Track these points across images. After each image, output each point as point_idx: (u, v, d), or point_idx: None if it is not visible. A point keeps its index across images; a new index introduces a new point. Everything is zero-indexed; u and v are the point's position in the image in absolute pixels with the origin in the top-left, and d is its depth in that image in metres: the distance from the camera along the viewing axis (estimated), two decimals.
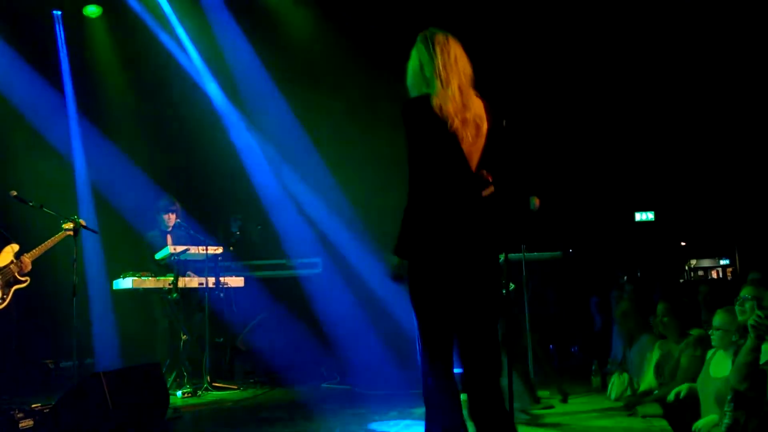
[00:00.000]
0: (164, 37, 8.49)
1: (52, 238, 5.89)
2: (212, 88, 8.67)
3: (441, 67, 3.24)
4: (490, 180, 3.32)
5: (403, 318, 5.87)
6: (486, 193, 3.32)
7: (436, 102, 3.18)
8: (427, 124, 3.18)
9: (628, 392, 5.65)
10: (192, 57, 8.59)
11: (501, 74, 7.83)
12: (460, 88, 3.23)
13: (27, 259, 5.69)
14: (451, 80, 3.22)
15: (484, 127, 3.27)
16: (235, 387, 6.85)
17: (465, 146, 3.20)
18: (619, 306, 6.75)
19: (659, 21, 7.60)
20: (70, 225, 5.86)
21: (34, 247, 5.78)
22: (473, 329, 3.21)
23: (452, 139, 3.18)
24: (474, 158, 3.25)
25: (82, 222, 5.94)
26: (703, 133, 7.78)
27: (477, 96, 3.30)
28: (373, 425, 5.06)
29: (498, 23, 7.83)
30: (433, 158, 3.20)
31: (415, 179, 3.19)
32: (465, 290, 3.17)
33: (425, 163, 3.19)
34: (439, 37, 3.31)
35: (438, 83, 3.22)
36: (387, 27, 7.65)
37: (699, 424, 4.36)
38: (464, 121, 3.19)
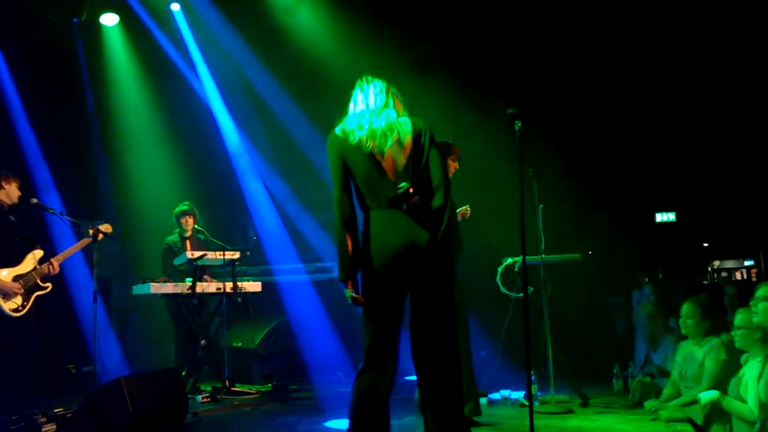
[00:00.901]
0: (183, 45, 8.58)
1: (78, 243, 5.96)
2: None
3: None
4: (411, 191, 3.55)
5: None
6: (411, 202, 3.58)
7: None
8: None
9: (651, 396, 5.58)
10: (198, 65, 8.66)
11: (521, 73, 7.83)
12: None
13: (56, 262, 5.76)
14: None
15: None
16: (254, 391, 6.86)
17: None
18: (642, 308, 6.68)
19: (677, 20, 7.53)
20: (101, 231, 5.95)
21: (55, 254, 5.83)
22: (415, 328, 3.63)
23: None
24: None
25: (103, 229, 5.99)
26: (726, 132, 7.68)
27: None
28: None
29: (521, 22, 7.82)
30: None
31: None
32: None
33: None
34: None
35: None
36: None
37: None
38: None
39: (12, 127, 7.81)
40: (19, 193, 5.73)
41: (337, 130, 3.67)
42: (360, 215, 3.67)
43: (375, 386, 3.56)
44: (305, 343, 7.43)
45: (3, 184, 5.64)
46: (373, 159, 3.59)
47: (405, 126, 3.66)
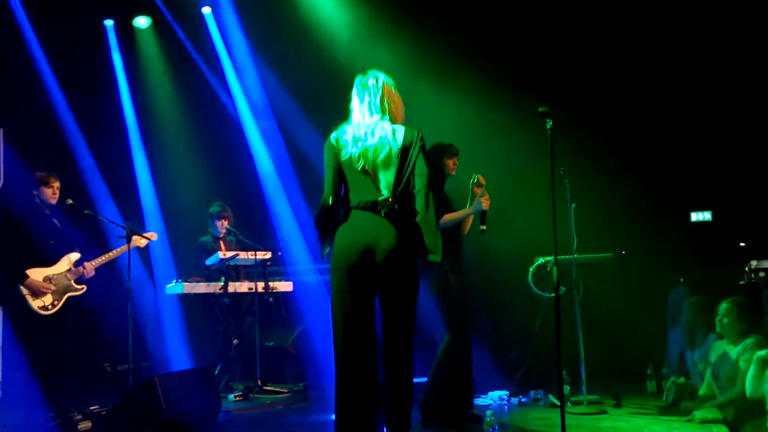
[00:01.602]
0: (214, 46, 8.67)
1: (116, 249, 6.06)
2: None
3: None
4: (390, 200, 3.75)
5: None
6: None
7: None
8: None
9: (686, 397, 5.50)
10: (227, 68, 8.74)
11: (553, 69, 7.77)
12: None
13: (89, 266, 5.85)
14: None
15: None
16: (286, 391, 6.90)
17: None
18: (679, 308, 6.58)
19: (710, 16, 7.43)
20: (145, 237, 6.06)
21: (93, 257, 5.93)
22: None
23: None
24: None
25: (148, 236, 6.10)
26: (763, 129, 7.53)
27: None
28: None
29: (554, 17, 7.77)
30: None
31: None
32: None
33: None
34: None
35: None
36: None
37: None
38: None
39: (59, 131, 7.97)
40: (58, 195, 5.82)
41: (332, 138, 3.89)
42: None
43: (353, 386, 3.71)
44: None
45: (42, 185, 5.74)
46: (364, 171, 3.80)
47: (398, 136, 3.80)
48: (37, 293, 5.52)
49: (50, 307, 5.58)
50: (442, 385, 4.99)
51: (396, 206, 3.72)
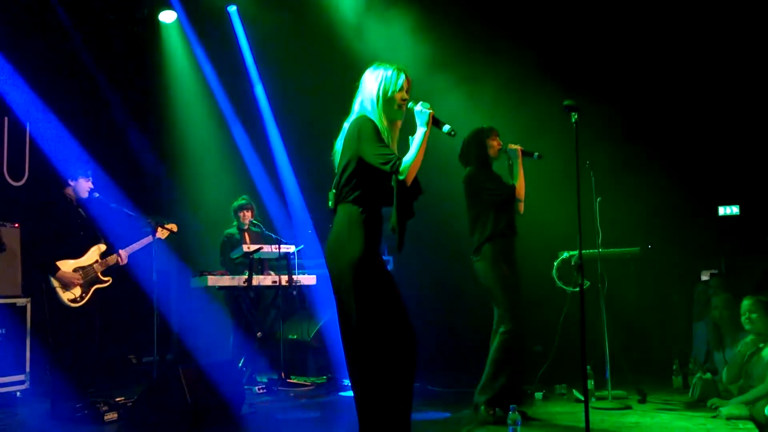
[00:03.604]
0: None
1: (144, 238, 6.11)
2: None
3: None
4: None
5: (474, 314, 5.80)
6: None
7: None
8: None
9: (712, 393, 5.43)
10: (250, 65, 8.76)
11: (579, 62, 7.71)
12: None
13: (124, 253, 5.92)
14: None
15: None
16: (309, 384, 6.93)
17: None
18: (705, 303, 6.51)
19: (742, 12, 7.32)
20: (167, 229, 6.11)
21: (118, 249, 5.98)
22: None
23: None
24: None
25: (169, 227, 6.15)
26: None
27: None
28: None
29: (591, 10, 7.71)
30: None
31: None
32: None
33: None
34: None
35: None
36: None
37: None
38: None
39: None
40: (91, 187, 5.88)
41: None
42: None
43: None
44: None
45: (71, 179, 5.80)
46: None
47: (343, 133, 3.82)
48: (67, 285, 5.59)
49: (79, 299, 5.64)
50: (502, 374, 4.99)
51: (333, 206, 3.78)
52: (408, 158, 3.58)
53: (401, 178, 3.59)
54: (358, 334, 3.58)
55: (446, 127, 3.68)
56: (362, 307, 3.56)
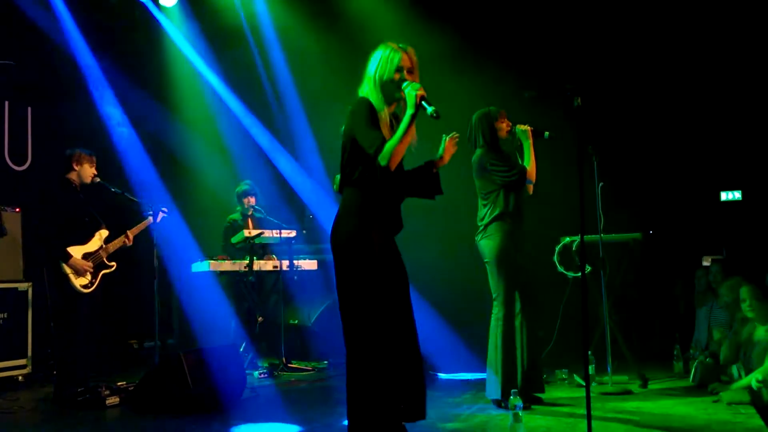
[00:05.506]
0: None
1: (145, 220, 6.10)
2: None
3: None
4: None
5: (479, 302, 5.78)
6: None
7: None
8: None
9: (713, 378, 5.44)
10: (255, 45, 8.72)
11: (580, 47, 7.66)
12: None
13: (131, 234, 5.93)
14: None
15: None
16: (310, 368, 6.94)
17: None
18: (706, 288, 6.50)
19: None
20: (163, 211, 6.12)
21: (119, 232, 5.98)
22: None
23: None
24: None
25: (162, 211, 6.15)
26: None
27: None
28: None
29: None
30: None
31: None
32: None
33: None
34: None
35: None
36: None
37: None
38: None
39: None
40: (95, 173, 5.85)
41: None
42: None
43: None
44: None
45: (76, 164, 5.77)
46: None
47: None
48: (79, 272, 5.58)
49: (89, 285, 5.65)
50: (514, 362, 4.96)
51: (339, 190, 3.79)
52: (389, 143, 3.47)
53: (382, 163, 3.48)
54: (343, 315, 3.59)
55: (430, 109, 3.45)
56: (348, 289, 3.56)
